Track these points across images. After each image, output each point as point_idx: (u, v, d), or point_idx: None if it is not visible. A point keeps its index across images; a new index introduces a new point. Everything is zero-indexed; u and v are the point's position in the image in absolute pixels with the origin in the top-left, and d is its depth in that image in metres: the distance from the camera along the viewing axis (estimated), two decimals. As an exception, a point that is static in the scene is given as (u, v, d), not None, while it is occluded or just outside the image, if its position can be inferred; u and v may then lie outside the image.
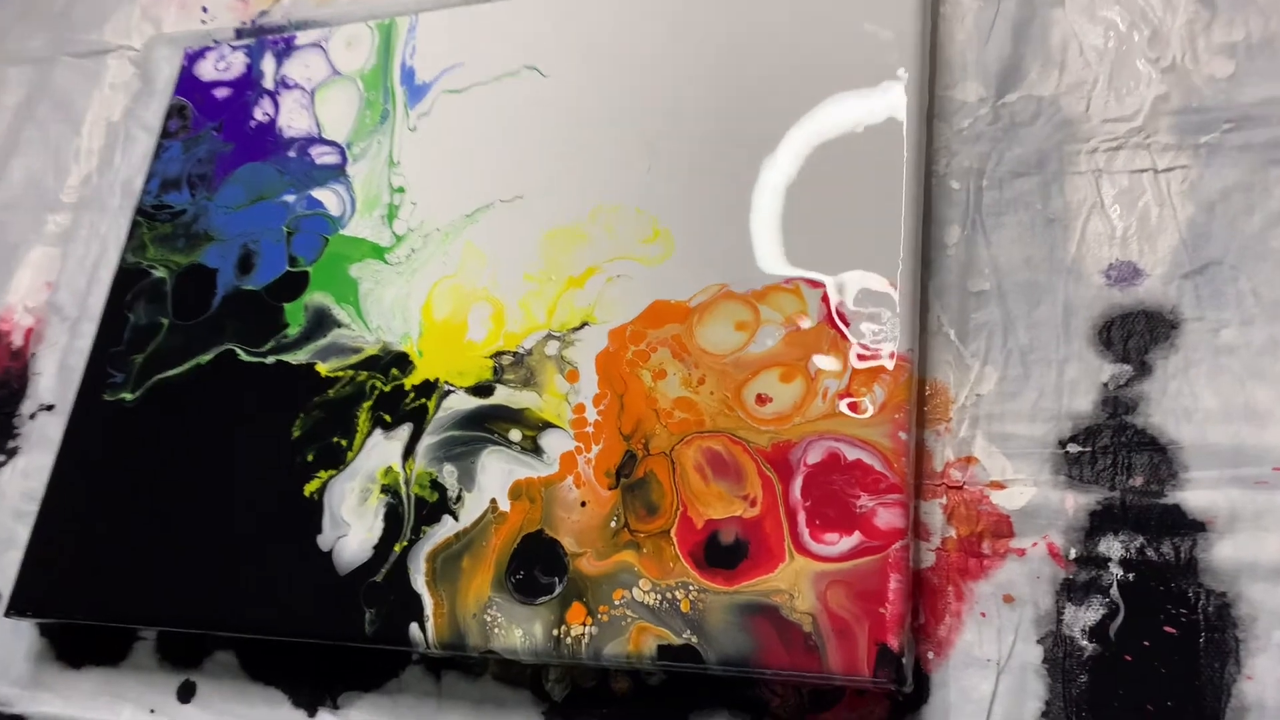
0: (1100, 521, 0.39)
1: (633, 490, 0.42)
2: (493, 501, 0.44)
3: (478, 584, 0.43)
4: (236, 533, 0.47)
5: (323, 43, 0.57)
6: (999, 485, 0.41)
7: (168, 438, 0.50)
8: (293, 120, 0.56)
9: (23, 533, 0.52)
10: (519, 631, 0.41)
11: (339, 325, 0.50)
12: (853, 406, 0.41)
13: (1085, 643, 0.38)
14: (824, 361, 0.42)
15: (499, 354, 0.47)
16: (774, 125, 0.46)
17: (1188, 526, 0.38)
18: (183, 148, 0.58)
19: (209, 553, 0.47)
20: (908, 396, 0.40)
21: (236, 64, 0.59)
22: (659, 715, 0.42)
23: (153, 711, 0.49)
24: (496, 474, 0.44)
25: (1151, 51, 0.45)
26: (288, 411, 0.48)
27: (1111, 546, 0.39)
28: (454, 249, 0.49)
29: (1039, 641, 0.39)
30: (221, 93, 0.59)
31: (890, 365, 0.41)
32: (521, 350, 0.46)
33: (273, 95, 0.57)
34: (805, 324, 0.43)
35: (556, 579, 0.42)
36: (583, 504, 0.43)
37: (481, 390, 0.46)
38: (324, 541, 0.46)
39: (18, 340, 0.59)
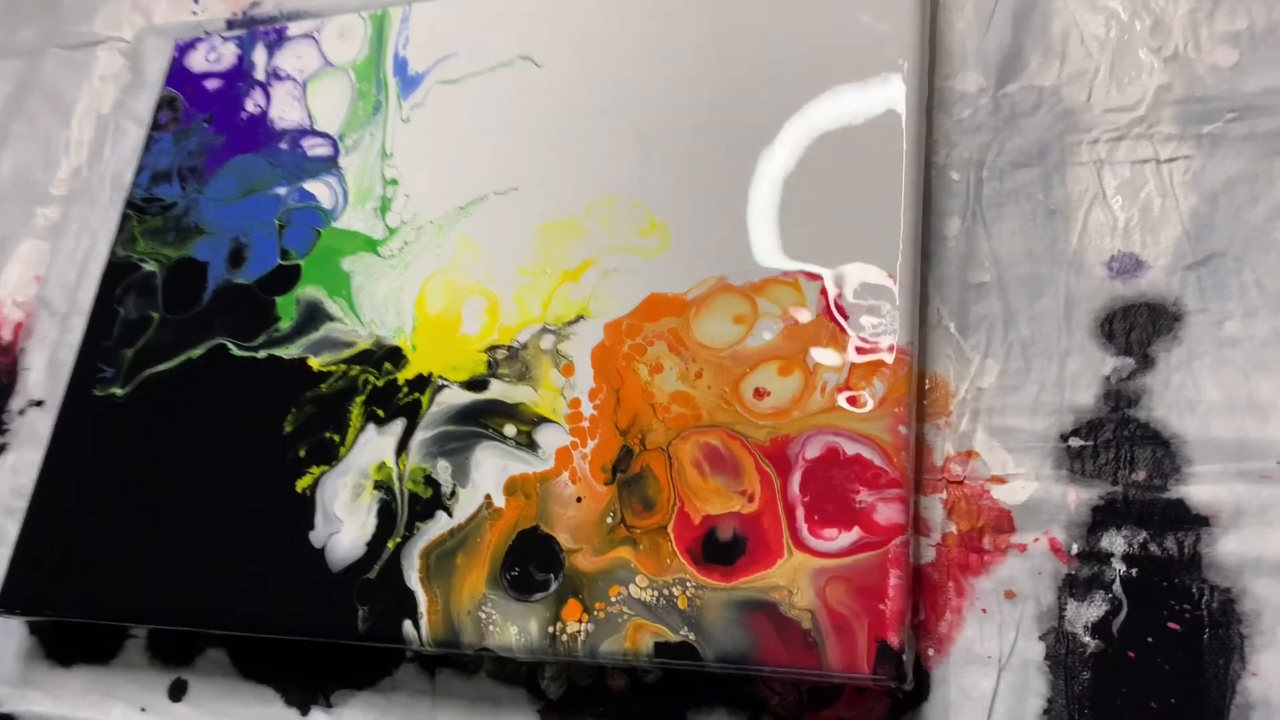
0: (1103, 516, 0.39)
1: (629, 486, 0.42)
2: (487, 497, 0.43)
3: (472, 581, 0.42)
4: (228, 529, 0.47)
5: (315, 33, 0.57)
6: (1000, 480, 0.40)
7: (158, 433, 0.50)
8: (284, 112, 0.55)
9: (12, 529, 0.51)
10: (514, 629, 0.41)
11: (331, 319, 0.49)
12: (852, 400, 0.40)
13: (1088, 639, 0.38)
14: (823, 355, 0.41)
15: (493, 348, 0.46)
16: (771, 116, 0.46)
17: (1191, 521, 0.38)
18: (173, 140, 0.57)
19: (200, 549, 0.47)
20: (907, 390, 0.40)
21: (227, 55, 0.58)
22: (656, 713, 0.42)
23: (144, 710, 0.48)
24: (491, 469, 0.44)
25: (1153, 40, 0.44)
26: (279, 406, 0.48)
27: (1114, 542, 0.38)
28: (448, 242, 0.49)
29: (1041, 638, 0.38)
30: (212, 84, 0.58)
31: (890, 359, 0.40)
32: (516, 344, 0.46)
33: (264, 87, 0.57)
34: (804, 317, 0.42)
35: (552, 575, 0.41)
36: (578, 500, 0.42)
37: (476, 385, 0.46)
38: (316, 538, 0.45)
39: (6, 335, 0.59)
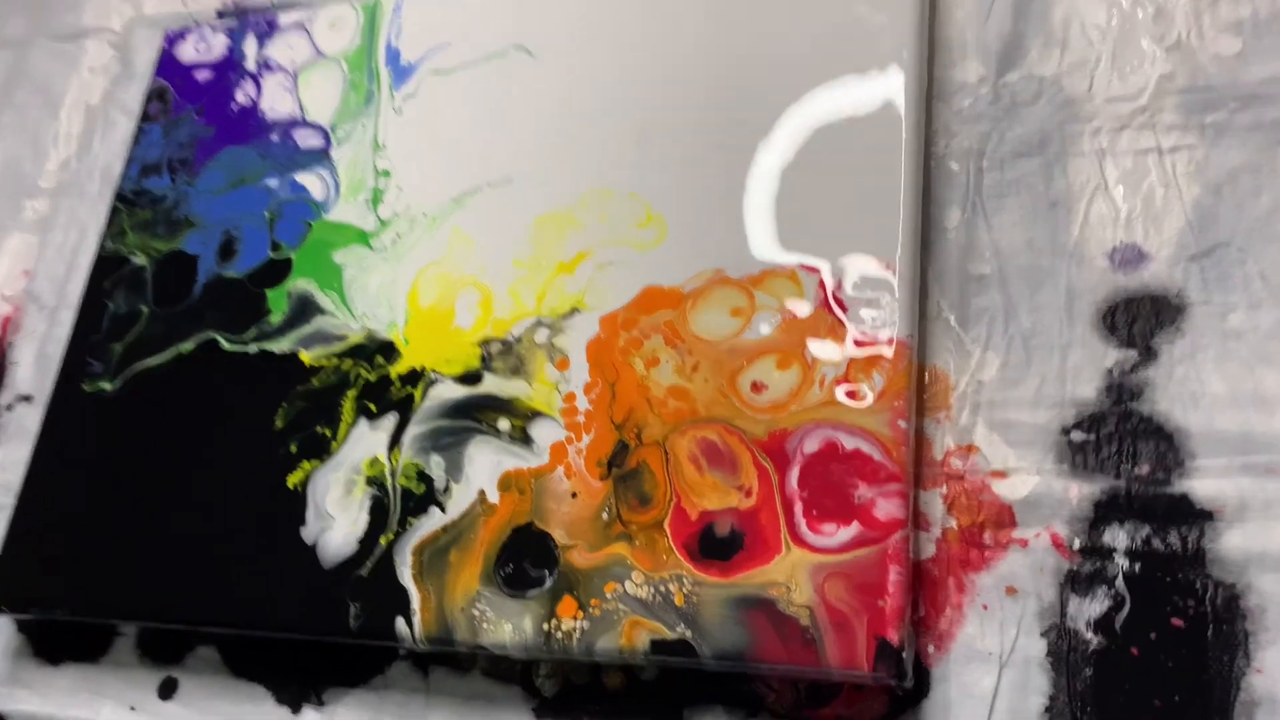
0: (1105, 511, 0.38)
1: (625, 481, 0.41)
2: (481, 493, 0.43)
3: (466, 577, 0.42)
4: (218, 525, 0.46)
5: (306, 23, 0.56)
6: (1001, 474, 0.40)
7: (148, 428, 0.49)
8: (275, 103, 0.55)
9: (-1, 526, 0.51)
10: (508, 626, 0.40)
11: (323, 312, 0.49)
12: (851, 394, 0.40)
13: (1090, 636, 0.37)
14: (821, 348, 0.41)
15: (487, 341, 0.45)
16: (769, 106, 0.45)
17: (1195, 516, 0.37)
18: (163, 131, 0.56)
19: (190, 546, 0.46)
20: (907, 384, 0.40)
21: (218, 45, 0.58)
22: (652, 711, 0.41)
23: (133, 709, 0.47)
24: (485, 465, 0.43)
25: (1156, 29, 0.44)
26: (270, 401, 0.47)
27: (1117, 537, 0.38)
28: (441, 234, 0.48)
29: (1043, 634, 0.38)
30: (202, 75, 0.57)
31: (889, 352, 0.40)
32: (510, 338, 0.45)
33: (255, 77, 0.56)
34: (802, 310, 0.42)
35: (547, 572, 0.41)
36: (573, 495, 0.42)
37: (469, 379, 0.45)
38: (308, 534, 0.44)
39: (-5, 329, 0.58)
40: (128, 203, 0.55)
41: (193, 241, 0.53)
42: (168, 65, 0.58)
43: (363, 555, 0.43)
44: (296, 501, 0.45)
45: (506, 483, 0.43)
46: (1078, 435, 0.40)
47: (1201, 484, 0.38)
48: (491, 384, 0.45)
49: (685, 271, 0.44)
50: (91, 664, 0.49)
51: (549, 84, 0.49)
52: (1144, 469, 0.38)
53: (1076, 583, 0.38)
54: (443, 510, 0.43)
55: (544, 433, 0.43)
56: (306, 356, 0.48)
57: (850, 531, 0.38)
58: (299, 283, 0.50)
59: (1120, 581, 0.37)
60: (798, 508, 0.39)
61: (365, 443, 0.45)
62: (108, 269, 0.54)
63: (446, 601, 0.42)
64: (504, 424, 0.44)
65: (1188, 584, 0.37)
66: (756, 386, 0.41)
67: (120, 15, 0.64)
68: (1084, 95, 0.44)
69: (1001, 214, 0.43)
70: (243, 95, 0.56)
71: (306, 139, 0.53)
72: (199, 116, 0.56)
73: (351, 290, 0.49)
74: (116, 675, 0.48)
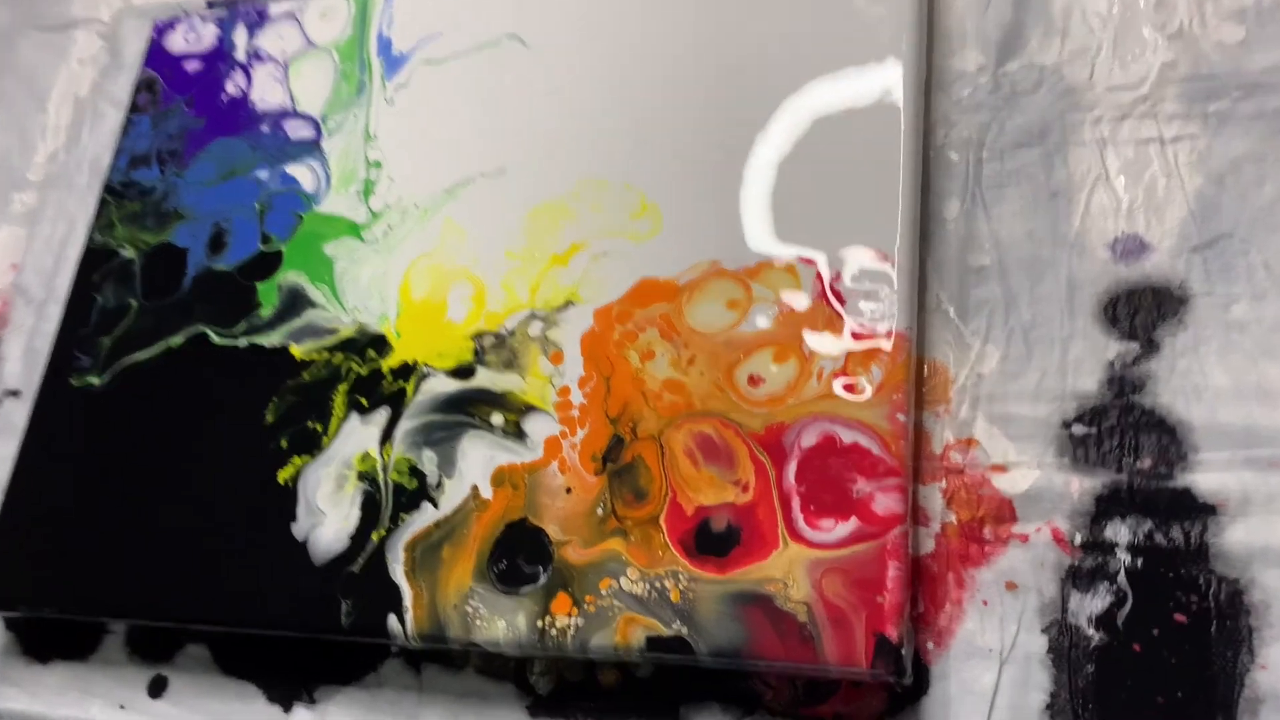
0: (1107, 505, 0.38)
1: (620, 476, 0.41)
2: (474, 488, 0.42)
3: (458, 574, 0.41)
4: (208, 522, 0.45)
5: (297, 13, 0.55)
6: (1001, 468, 0.39)
7: (137, 423, 0.49)
8: (266, 93, 0.54)
9: (-13, 523, 0.50)
10: (502, 623, 0.40)
11: (313, 306, 0.48)
12: (849, 387, 0.39)
13: (1092, 632, 0.37)
14: (819, 341, 0.40)
15: (480, 335, 0.45)
16: (766, 96, 0.45)
17: (1198, 510, 0.37)
18: (151, 123, 0.56)
19: (179, 543, 0.46)
20: (906, 377, 0.39)
21: (207, 36, 0.57)
22: (648, 709, 0.41)
23: (122, 707, 0.47)
24: (478, 460, 0.43)
25: (1158, 17, 0.43)
26: (261, 395, 0.47)
27: (1119, 531, 0.37)
28: (433, 226, 0.48)
29: (1044, 631, 0.37)
30: (192, 66, 0.57)
31: (888, 344, 0.39)
32: (503, 331, 0.45)
33: (245, 68, 0.55)
34: (799, 302, 0.41)
35: (541, 568, 0.40)
36: (568, 490, 0.41)
37: (462, 372, 0.45)
38: (299, 530, 0.44)
39: (-18, 324, 0.58)
40: (116, 195, 0.55)
41: (182, 234, 0.52)
42: (157, 56, 0.58)
43: (354, 551, 0.43)
44: (287, 497, 0.45)
45: (500, 478, 0.42)
46: (1079, 429, 0.39)
47: (1204, 478, 0.37)
48: (484, 378, 0.44)
49: (681, 263, 0.43)
50: (80, 662, 0.49)
51: (543, 73, 0.49)
52: (1146, 463, 0.38)
53: (1078, 578, 0.37)
54: (435, 506, 0.43)
55: (538, 427, 0.42)
56: (297, 350, 0.47)
57: (848, 527, 0.38)
58: (289, 275, 0.49)
59: (1122, 577, 0.37)
60: (795, 502, 0.38)
61: (357, 437, 0.45)
62: (96, 262, 0.53)
63: (439, 598, 0.41)
64: (497, 418, 0.43)
65: (1190, 579, 0.36)
66: (753, 380, 0.41)
67: (109, 6, 0.64)
68: (1085, 84, 0.43)
69: (1001, 205, 0.43)
70: (233, 86, 0.55)
71: (297, 130, 0.52)
72: (188, 107, 0.55)
73: (342, 283, 0.48)
74: (106, 673, 0.48)
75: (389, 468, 0.44)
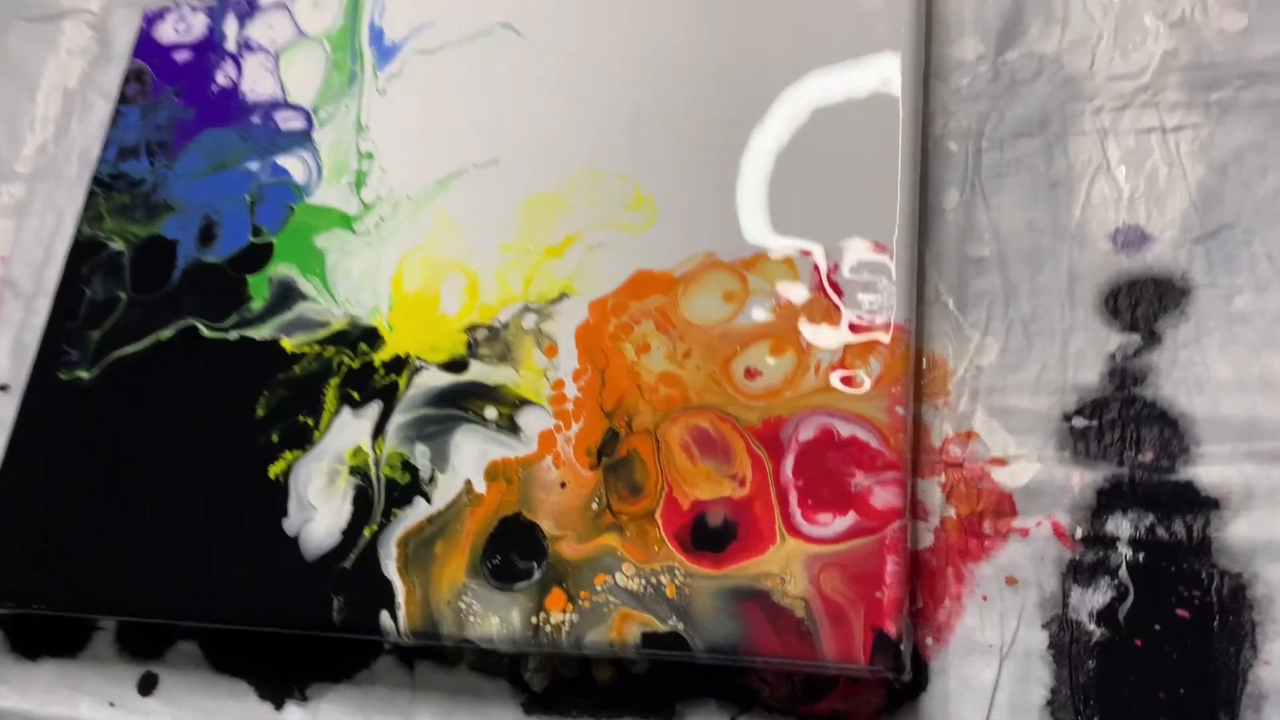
0: (1108, 499, 0.37)
1: (615, 470, 0.40)
2: (467, 483, 0.42)
3: (452, 569, 0.41)
4: (198, 517, 0.45)
5: (287, 3, 0.55)
6: (1001, 462, 0.39)
7: (126, 417, 0.48)
8: (256, 84, 0.53)
9: (-25, 519, 0.49)
10: (496, 619, 0.39)
11: (305, 298, 0.47)
12: (847, 380, 0.39)
13: (1093, 627, 0.36)
14: (816, 333, 0.40)
15: (473, 328, 0.44)
16: (763, 85, 0.44)
17: (1200, 504, 0.37)
18: (141, 114, 0.55)
19: (169, 538, 0.45)
20: (905, 369, 0.39)
21: (197, 26, 0.56)
22: (643, 705, 0.40)
23: (112, 705, 0.46)
24: (471, 454, 0.42)
25: (1159, 5, 0.43)
26: (251, 389, 0.46)
27: (1120, 525, 0.37)
28: (425, 217, 0.47)
29: (1044, 626, 0.37)
30: (182, 56, 0.56)
31: (886, 337, 0.39)
32: (497, 323, 0.44)
33: (235, 58, 0.55)
34: (796, 294, 0.41)
35: (535, 564, 0.40)
36: (562, 485, 0.41)
37: (455, 366, 0.44)
38: (290, 526, 0.43)
39: (-30, 317, 0.57)
40: (105, 186, 0.54)
41: (172, 226, 0.52)
42: (146, 46, 0.57)
43: (346, 547, 0.42)
44: (278, 492, 0.44)
45: (493, 472, 0.42)
46: (1079, 421, 0.39)
47: (1206, 471, 0.37)
48: (478, 371, 0.44)
49: (676, 255, 0.43)
50: (70, 659, 0.48)
51: (537, 63, 0.48)
52: (1148, 456, 0.38)
53: (1079, 573, 0.37)
54: (428, 501, 0.42)
55: (532, 421, 0.42)
56: (288, 343, 0.47)
57: (846, 521, 0.37)
58: (280, 268, 0.49)
59: (1123, 571, 0.37)
60: (792, 497, 0.38)
61: (348, 432, 0.44)
62: (85, 255, 0.53)
63: (432, 594, 0.41)
64: (491, 412, 0.43)
65: (1193, 574, 0.36)
66: (750, 373, 0.40)
67: (98, -5, 0.63)
68: (1085, 73, 0.43)
69: (1001, 195, 0.42)
70: (223, 76, 0.54)
71: (288, 121, 0.52)
72: (178, 98, 0.55)
73: (334, 275, 0.48)
74: (95, 671, 0.47)
75: (381, 462, 0.43)
